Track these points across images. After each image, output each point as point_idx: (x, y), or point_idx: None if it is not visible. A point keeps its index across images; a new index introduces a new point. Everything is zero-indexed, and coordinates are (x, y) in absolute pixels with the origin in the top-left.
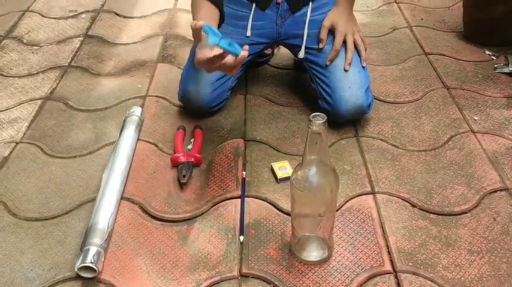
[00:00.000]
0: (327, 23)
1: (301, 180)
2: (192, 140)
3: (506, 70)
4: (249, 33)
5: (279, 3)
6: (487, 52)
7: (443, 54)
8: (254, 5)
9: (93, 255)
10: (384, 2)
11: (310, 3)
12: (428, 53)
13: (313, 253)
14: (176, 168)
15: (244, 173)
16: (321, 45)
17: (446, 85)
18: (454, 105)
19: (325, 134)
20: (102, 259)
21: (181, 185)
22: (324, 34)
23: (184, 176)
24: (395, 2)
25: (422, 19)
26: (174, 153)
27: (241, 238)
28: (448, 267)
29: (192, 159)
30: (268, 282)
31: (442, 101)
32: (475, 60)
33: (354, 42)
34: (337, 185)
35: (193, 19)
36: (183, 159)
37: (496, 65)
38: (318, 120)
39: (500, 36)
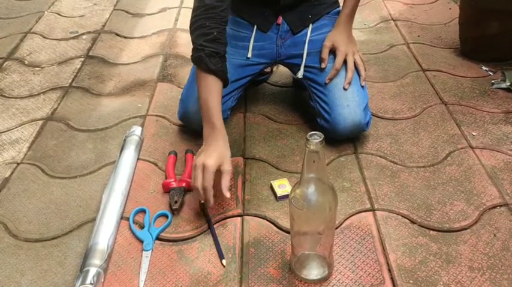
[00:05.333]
0: (328, 43)
1: (299, 199)
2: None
3: (503, 86)
4: (250, 55)
5: (279, 24)
6: (484, 68)
7: (440, 71)
8: (255, 27)
9: (93, 276)
10: (381, 20)
11: (310, 25)
12: (426, 70)
13: (313, 271)
14: (168, 193)
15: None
16: (323, 65)
17: (444, 101)
18: (452, 121)
19: (322, 152)
20: (102, 280)
21: (173, 212)
22: (325, 54)
23: (176, 202)
24: (392, 19)
25: (419, 36)
26: (166, 178)
27: (224, 261)
28: (449, 284)
29: (184, 184)
30: None
31: (440, 117)
32: (472, 76)
33: (354, 62)
34: (335, 203)
35: (199, 93)
36: (174, 184)
37: (493, 81)
38: (315, 139)
39: (497, 52)
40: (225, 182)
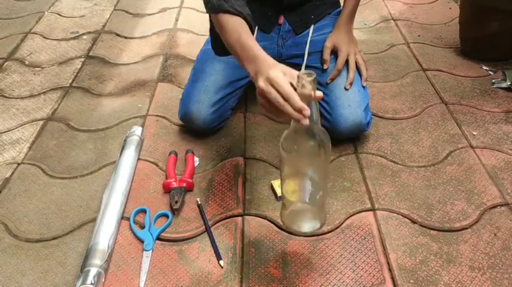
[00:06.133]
0: (329, 44)
1: (288, 141)
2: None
3: (503, 85)
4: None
5: (280, 24)
6: (484, 67)
7: (440, 70)
8: (257, 28)
9: (94, 276)
10: (381, 19)
11: (312, 25)
12: (426, 69)
13: (305, 225)
14: (168, 194)
15: (198, 199)
16: (325, 66)
17: (445, 101)
18: (453, 120)
19: (314, 93)
20: (103, 280)
21: (174, 211)
22: (327, 55)
23: (176, 202)
24: (393, 19)
25: (419, 36)
26: (166, 179)
27: (222, 262)
28: (450, 284)
29: (184, 184)
30: None
31: (441, 116)
32: (472, 75)
33: (356, 62)
34: (328, 148)
35: (225, 38)
36: (175, 184)
37: (493, 80)
38: (307, 76)
39: (497, 52)
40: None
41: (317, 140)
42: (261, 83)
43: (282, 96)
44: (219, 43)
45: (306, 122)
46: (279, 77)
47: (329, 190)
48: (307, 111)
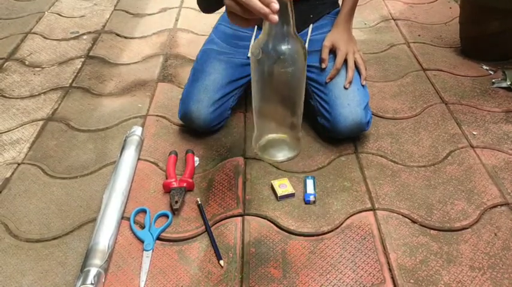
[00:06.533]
0: (327, 43)
1: (258, 45)
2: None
3: (503, 85)
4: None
5: None
6: (485, 67)
7: (441, 70)
8: (256, 27)
9: (94, 276)
10: (381, 19)
11: (311, 24)
12: (426, 69)
13: (278, 153)
14: (168, 193)
15: (198, 199)
16: (323, 65)
17: (445, 100)
18: (453, 120)
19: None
20: (103, 280)
21: (174, 211)
22: (325, 54)
23: (176, 202)
24: (393, 18)
25: (419, 35)
26: (166, 178)
27: (222, 262)
28: (450, 284)
29: (185, 184)
30: None
31: (441, 116)
32: (472, 75)
33: (355, 61)
34: (302, 57)
35: None
36: (175, 184)
37: (493, 80)
38: None
39: (497, 52)
40: None
41: (289, 46)
42: None
43: None
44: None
45: (275, 18)
46: None
47: (329, 189)
48: (275, 5)
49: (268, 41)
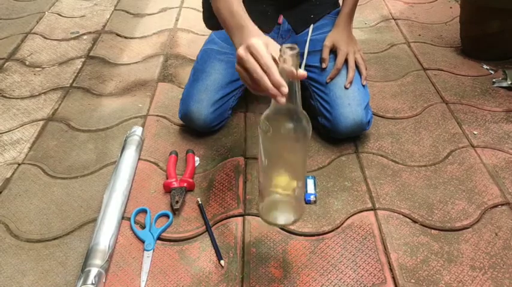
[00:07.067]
0: (328, 43)
1: (267, 120)
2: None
3: (504, 84)
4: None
5: (279, 24)
6: (485, 67)
7: (441, 70)
8: (257, 27)
9: (94, 276)
10: (381, 19)
11: (312, 24)
12: (427, 69)
13: (281, 217)
14: (169, 193)
15: (199, 199)
16: (324, 65)
17: (445, 100)
18: (453, 120)
19: (296, 70)
20: (103, 280)
21: (174, 211)
22: (326, 54)
23: (177, 202)
24: (393, 18)
25: (420, 35)
26: (167, 178)
27: (222, 262)
28: (451, 283)
29: (185, 184)
30: None
31: (441, 116)
32: (473, 74)
33: (356, 61)
34: (306, 132)
35: (218, 10)
36: (175, 184)
37: (494, 79)
38: (290, 50)
39: (498, 51)
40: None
41: (296, 124)
42: (241, 50)
43: (261, 68)
44: (210, 16)
45: (282, 100)
46: (259, 46)
47: (330, 189)
48: (285, 89)
49: (276, 117)
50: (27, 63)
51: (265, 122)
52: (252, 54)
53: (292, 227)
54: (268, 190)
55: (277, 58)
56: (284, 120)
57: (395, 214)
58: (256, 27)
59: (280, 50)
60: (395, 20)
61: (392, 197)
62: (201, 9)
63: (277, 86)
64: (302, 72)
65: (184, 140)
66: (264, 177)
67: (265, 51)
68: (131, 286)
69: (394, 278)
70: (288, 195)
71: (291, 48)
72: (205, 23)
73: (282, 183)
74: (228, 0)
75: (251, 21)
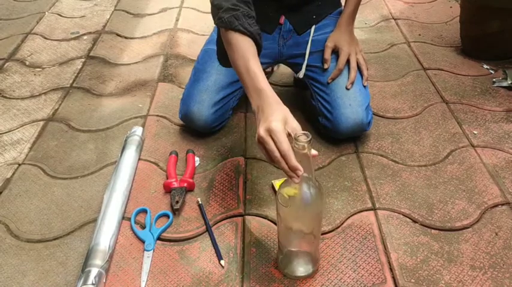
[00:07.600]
0: (330, 44)
1: (285, 196)
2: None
3: (504, 84)
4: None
5: (281, 24)
6: (485, 66)
7: (441, 69)
8: (273, 92)
9: (95, 276)
10: (381, 19)
11: (314, 25)
12: (427, 68)
13: (299, 268)
14: (169, 194)
15: (199, 199)
16: (326, 66)
17: (445, 100)
18: (453, 119)
19: (309, 152)
20: (104, 280)
21: (175, 211)
22: (328, 54)
23: (177, 202)
24: (393, 18)
25: (420, 35)
26: (167, 178)
27: (223, 262)
28: (451, 283)
29: (185, 184)
30: None
31: (441, 115)
32: (473, 74)
33: (357, 62)
34: (321, 203)
35: (233, 59)
36: (176, 184)
37: (494, 79)
38: (303, 139)
39: (498, 51)
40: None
41: (312, 192)
42: (262, 132)
43: (280, 153)
44: (225, 55)
45: (296, 181)
46: (280, 132)
47: (330, 189)
48: (300, 172)
49: (291, 190)
50: (27, 63)
51: (283, 195)
52: (272, 138)
53: None
54: (287, 247)
55: (292, 135)
56: (300, 192)
57: (396, 213)
58: (273, 92)
59: (295, 139)
60: (395, 19)
61: (392, 197)
62: (201, 10)
63: (293, 169)
64: (314, 152)
65: (185, 140)
66: (282, 235)
67: (284, 138)
68: (131, 286)
69: (394, 278)
70: (304, 250)
71: (305, 137)
72: (219, 61)
73: (299, 241)
74: (244, 55)
75: (267, 83)
